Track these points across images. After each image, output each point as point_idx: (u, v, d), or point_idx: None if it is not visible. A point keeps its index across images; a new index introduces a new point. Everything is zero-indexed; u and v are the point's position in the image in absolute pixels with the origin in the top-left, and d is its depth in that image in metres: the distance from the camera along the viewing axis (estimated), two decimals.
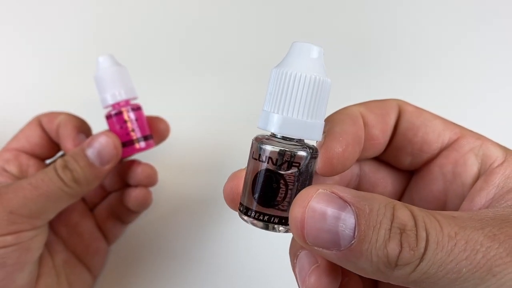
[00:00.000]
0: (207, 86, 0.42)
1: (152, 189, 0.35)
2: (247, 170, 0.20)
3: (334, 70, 0.40)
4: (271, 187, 0.19)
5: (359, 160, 0.24)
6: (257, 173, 0.19)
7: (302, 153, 0.19)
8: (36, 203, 0.28)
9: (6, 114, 0.41)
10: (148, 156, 0.35)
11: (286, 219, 0.19)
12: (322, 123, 0.19)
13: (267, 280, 0.38)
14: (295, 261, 0.22)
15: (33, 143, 0.33)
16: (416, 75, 0.42)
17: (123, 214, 0.36)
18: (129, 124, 0.32)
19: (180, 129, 0.37)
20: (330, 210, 0.17)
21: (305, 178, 0.19)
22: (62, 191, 0.29)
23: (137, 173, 0.34)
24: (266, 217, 0.19)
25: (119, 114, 0.32)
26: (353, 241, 0.17)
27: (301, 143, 0.20)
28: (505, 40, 0.42)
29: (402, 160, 0.24)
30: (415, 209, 0.18)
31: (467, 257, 0.17)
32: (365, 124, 0.23)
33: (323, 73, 0.19)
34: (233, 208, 0.22)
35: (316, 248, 0.18)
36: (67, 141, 0.32)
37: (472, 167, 0.22)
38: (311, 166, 0.19)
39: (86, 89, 0.36)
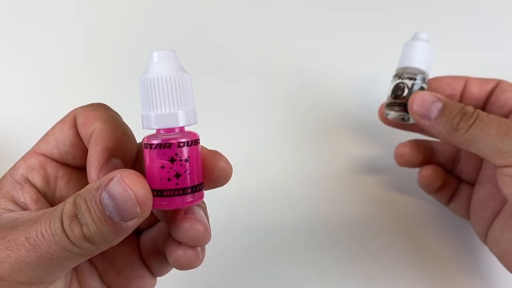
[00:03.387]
0: (207, 88, 0.41)
1: None
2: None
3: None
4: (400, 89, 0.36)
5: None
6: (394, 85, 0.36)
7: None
8: (34, 267, 0.21)
9: (6, 115, 0.41)
10: None
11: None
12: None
13: (272, 280, 0.39)
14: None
15: (63, 151, 0.26)
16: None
17: None
18: (177, 165, 0.22)
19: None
20: (431, 97, 0.33)
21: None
22: (68, 251, 0.21)
23: (181, 230, 0.24)
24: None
25: (167, 147, 0.22)
26: (438, 116, 0.32)
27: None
28: None
29: (496, 111, 0.35)
30: (480, 110, 0.31)
31: (495, 127, 0.30)
32: (467, 83, 0.36)
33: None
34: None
35: (418, 117, 0.33)
36: (91, 169, 0.24)
37: None
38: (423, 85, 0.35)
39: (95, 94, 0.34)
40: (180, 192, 0.23)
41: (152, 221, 0.28)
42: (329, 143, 0.43)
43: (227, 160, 0.25)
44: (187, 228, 0.24)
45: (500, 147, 0.29)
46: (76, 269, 0.27)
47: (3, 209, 0.24)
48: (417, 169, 0.38)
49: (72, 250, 0.21)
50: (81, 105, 0.26)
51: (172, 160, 0.22)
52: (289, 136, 0.43)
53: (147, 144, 0.23)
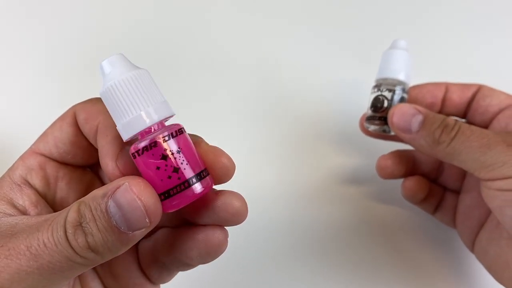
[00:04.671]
0: (204, 88, 0.43)
1: None
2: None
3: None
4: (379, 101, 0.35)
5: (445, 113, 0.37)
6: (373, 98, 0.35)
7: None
8: (35, 278, 0.20)
9: (5, 115, 0.41)
10: None
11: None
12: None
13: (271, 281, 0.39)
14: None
15: (62, 150, 0.25)
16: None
17: (172, 263, 0.26)
18: (171, 160, 0.21)
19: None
20: (411, 110, 0.32)
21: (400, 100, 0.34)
22: (71, 261, 0.20)
23: (219, 208, 0.23)
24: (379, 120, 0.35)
25: (153, 146, 0.21)
26: (418, 129, 0.31)
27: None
28: None
29: (477, 118, 0.35)
30: (461, 122, 0.31)
31: (477, 140, 0.29)
32: (448, 90, 0.36)
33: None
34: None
35: (399, 131, 0.32)
36: (107, 159, 0.22)
37: None
38: (404, 99, 0.34)
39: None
40: (186, 184, 0.21)
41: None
42: (311, 153, 0.42)
43: (229, 157, 0.23)
44: (227, 204, 0.23)
45: (482, 160, 0.29)
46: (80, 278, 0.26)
47: (1, 213, 0.23)
48: (402, 179, 0.37)
49: (76, 260, 0.20)
50: (79, 102, 0.25)
51: (164, 157, 0.21)
52: (270, 148, 0.42)
53: (134, 153, 0.21)
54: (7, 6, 0.44)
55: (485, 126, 0.35)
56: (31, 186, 0.24)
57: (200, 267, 0.26)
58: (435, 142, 0.31)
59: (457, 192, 0.37)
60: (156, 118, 0.21)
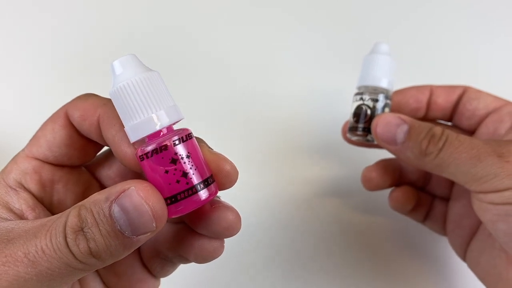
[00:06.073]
0: (203, 88, 0.42)
1: None
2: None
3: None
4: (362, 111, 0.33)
5: (430, 120, 0.35)
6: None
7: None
8: (34, 284, 0.19)
9: (6, 116, 0.40)
10: None
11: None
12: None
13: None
14: None
15: (58, 153, 0.24)
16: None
17: (173, 256, 0.26)
18: (181, 165, 0.21)
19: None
20: (395, 120, 0.30)
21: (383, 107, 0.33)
22: (71, 267, 0.19)
23: (212, 221, 0.23)
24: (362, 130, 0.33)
25: (163, 149, 0.20)
26: (404, 140, 0.29)
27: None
28: None
29: (464, 122, 0.34)
30: (448, 130, 0.29)
31: (466, 151, 0.27)
32: (432, 93, 0.34)
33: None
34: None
35: (383, 142, 0.30)
36: (123, 147, 0.22)
37: (506, 123, 0.31)
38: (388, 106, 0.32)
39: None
40: (194, 190, 0.21)
41: None
42: (291, 165, 0.41)
43: (232, 164, 0.22)
44: (222, 215, 0.23)
45: (473, 173, 0.27)
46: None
47: None
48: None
49: (76, 266, 0.20)
50: (68, 101, 0.24)
51: (174, 161, 0.21)
52: (254, 158, 0.40)
53: (142, 155, 0.21)
54: (7, 6, 0.44)
55: (472, 130, 0.34)
56: (26, 189, 0.24)
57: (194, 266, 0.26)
58: (422, 154, 0.29)
59: (446, 199, 0.36)
60: (167, 121, 0.21)
